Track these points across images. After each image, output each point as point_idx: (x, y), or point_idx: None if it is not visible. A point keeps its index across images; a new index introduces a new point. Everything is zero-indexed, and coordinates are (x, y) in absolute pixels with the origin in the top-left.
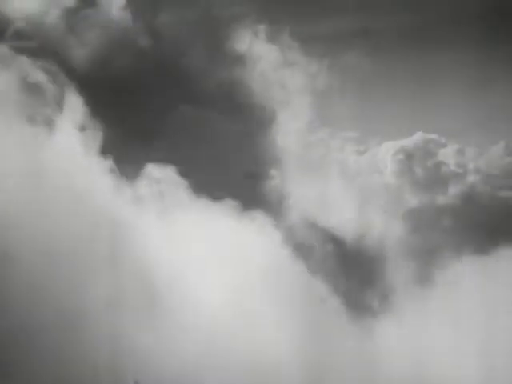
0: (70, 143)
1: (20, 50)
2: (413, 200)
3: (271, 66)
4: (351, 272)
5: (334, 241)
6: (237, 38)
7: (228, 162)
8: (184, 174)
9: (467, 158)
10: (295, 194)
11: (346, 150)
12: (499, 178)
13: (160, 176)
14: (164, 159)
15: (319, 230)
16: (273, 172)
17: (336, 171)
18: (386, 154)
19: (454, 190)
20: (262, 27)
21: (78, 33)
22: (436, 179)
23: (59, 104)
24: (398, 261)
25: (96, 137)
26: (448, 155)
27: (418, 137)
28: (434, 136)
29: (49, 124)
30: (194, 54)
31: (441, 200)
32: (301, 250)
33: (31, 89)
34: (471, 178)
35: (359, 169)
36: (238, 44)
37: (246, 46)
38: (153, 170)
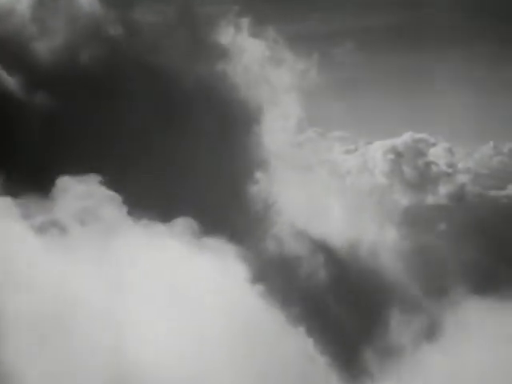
0: None
1: None
2: (403, 200)
3: (256, 61)
4: (344, 315)
5: (325, 255)
6: (219, 31)
7: (193, 169)
8: (121, 186)
9: (457, 157)
10: (282, 199)
11: (335, 150)
12: (489, 177)
13: (83, 191)
14: (91, 168)
15: (308, 239)
16: (258, 175)
17: (325, 172)
18: (376, 153)
19: (443, 190)
20: (245, 21)
21: (44, 22)
22: (426, 179)
23: None
24: (397, 293)
25: None
26: (438, 155)
27: (408, 136)
28: (423, 135)
29: None
30: (172, 46)
31: (431, 200)
32: (281, 279)
33: None
34: (461, 178)
35: (349, 168)
36: (220, 38)
37: (229, 41)
38: (71, 184)
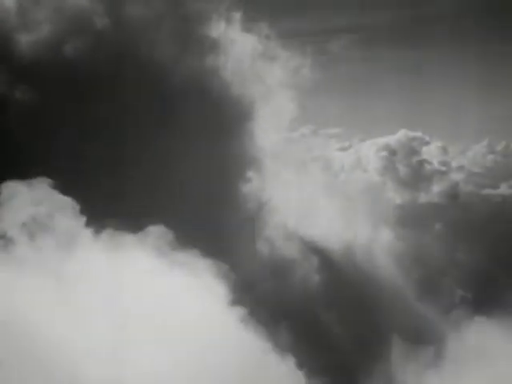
0: None
1: None
2: (396, 198)
3: (248, 57)
4: (339, 339)
5: (318, 259)
6: (210, 25)
7: (172, 169)
8: (78, 191)
9: (450, 155)
10: (275, 197)
11: (329, 147)
12: (482, 176)
13: (32, 197)
14: (41, 171)
15: (301, 241)
16: (250, 174)
17: (319, 169)
18: (370, 150)
19: (437, 188)
20: (237, 15)
21: (28, 14)
22: (419, 177)
23: None
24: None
25: None
26: (431, 153)
27: (402, 134)
28: (418, 133)
29: None
30: (161, 41)
31: (424, 198)
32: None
33: None
34: (454, 176)
35: (342, 165)
36: (211, 32)
37: (220, 35)
38: (18, 190)
